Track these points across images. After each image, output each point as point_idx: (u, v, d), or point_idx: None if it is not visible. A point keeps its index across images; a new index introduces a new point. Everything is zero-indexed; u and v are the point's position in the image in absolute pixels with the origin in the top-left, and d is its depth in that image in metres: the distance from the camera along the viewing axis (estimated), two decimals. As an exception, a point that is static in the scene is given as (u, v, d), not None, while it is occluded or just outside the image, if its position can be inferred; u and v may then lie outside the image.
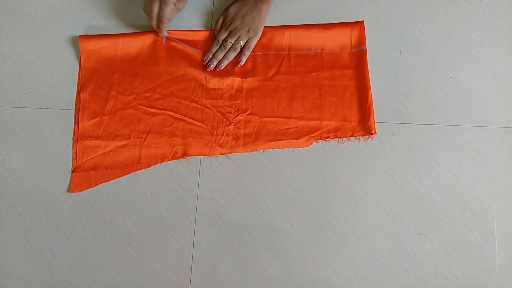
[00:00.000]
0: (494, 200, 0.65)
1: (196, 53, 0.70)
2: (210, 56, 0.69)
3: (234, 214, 0.66)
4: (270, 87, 0.69)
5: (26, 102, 0.70)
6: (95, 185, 0.67)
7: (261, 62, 0.69)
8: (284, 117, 0.68)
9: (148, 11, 0.66)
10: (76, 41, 0.71)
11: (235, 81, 0.69)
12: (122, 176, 0.67)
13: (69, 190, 0.67)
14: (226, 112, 0.68)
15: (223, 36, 0.68)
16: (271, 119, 0.68)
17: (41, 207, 0.67)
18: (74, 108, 0.70)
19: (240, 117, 0.68)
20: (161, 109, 0.68)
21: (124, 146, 0.68)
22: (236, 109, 0.68)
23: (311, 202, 0.66)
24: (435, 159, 0.66)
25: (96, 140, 0.68)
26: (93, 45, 0.70)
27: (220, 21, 0.70)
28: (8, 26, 0.74)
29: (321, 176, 0.66)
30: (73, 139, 0.69)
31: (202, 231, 0.65)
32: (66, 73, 0.71)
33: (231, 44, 0.68)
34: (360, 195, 0.65)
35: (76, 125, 0.69)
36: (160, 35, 0.69)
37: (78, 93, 0.70)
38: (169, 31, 0.71)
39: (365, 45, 0.69)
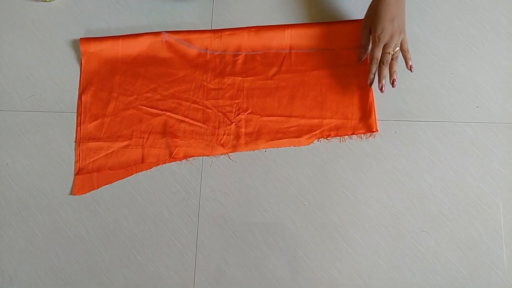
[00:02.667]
0: (498, 196, 0.64)
1: (196, 54, 0.71)
2: (372, 77, 0.64)
3: (236, 214, 0.66)
4: (271, 86, 0.69)
5: (28, 106, 0.71)
6: (97, 188, 0.67)
7: (262, 61, 0.69)
8: (285, 116, 0.68)
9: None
10: (77, 44, 0.72)
11: (236, 80, 0.69)
12: (124, 178, 0.67)
13: (72, 193, 0.67)
14: (227, 112, 0.68)
15: (378, 52, 0.62)
16: (272, 118, 0.68)
17: (45, 210, 0.67)
18: (76, 111, 0.70)
19: (241, 116, 0.68)
20: (162, 110, 0.69)
21: (126, 146, 0.68)
22: (237, 108, 0.68)
23: (314, 201, 0.65)
24: (437, 156, 0.66)
25: (98, 142, 0.68)
26: (93, 47, 0.71)
27: (365, 38, 0.64)
28: (10, 31, 0.74)
29: (323, 175, 0.66)
30: (75, 142, 0.69)
31: (205, 231, 0.65)
32: (68, 76, 0.72)
33: (391, 55, 0.62)
34: (363, 193, 0.65)
35: (78, 128, 0.69)
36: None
37: (80, 95, 0.70)
38: (169, 32, 0.71)
39: (366, 43, 0.69)
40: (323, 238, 0.64)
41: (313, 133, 0.67)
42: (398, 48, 0.62)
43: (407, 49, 0.63)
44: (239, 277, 0.64)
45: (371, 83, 0.64)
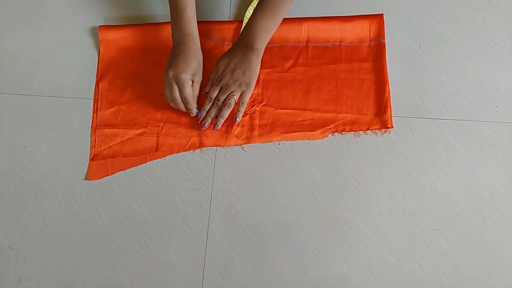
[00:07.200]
0: (513, 197, 0.63)
1: (213, 44, 0.71)
2: (204, 114, 0.66)
3: (248, 205, 0.66)
4: (286, 78, 0.69)
5: (47, 91, 0.72)
6: (112, 174, 0.68)
7: (278, 54, 0.69)
8: (299, 109, 0.67)
9: (170, 98, 0.63)
10: (96, 32, 0.73)
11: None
12: (138, 165, 0.68)
13: (87, 177, 0.68)
14: (242, 103, 0.68)
15: (214, 93, 0.64)
16: (286, 110, 0.68)
17: (60, 193, 0.68)
18: (93, 98, 0.71)
19: (256, 108, 0.68)
20: (178, 100, 0.69)
21: (141, 134, 0.68)
22: (251, 99, 0.68)
23: (326, 195, 0.65)
24: (453, 155, 0.65)
25: (114, 128, 0.69)
26: (112, 35, 0.71)
27: (212, 76, 0.65)
28: (31, 17, 0.75)
29: (336, 169, 0.66)
30: (91, 127, 0.70)
31: (216, 221, 0.66)
32: (86, 63, 0.73)
33: (223, 101, 0.64)
34: (376, 189, 0.65)
35: (94, 114, 0.70)
36: (192, 115, 0.66)
37: (97, 82, 0.71)
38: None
39: (384, 38, 0.68)
40: (334, 232, 0.64)
41: (328, 127, 0.67)
42: (234, 97, 0.63)
43: (243, 104, 0.64)
44: (248, 267, 0.64)
45: (200, 118, 0.66)
